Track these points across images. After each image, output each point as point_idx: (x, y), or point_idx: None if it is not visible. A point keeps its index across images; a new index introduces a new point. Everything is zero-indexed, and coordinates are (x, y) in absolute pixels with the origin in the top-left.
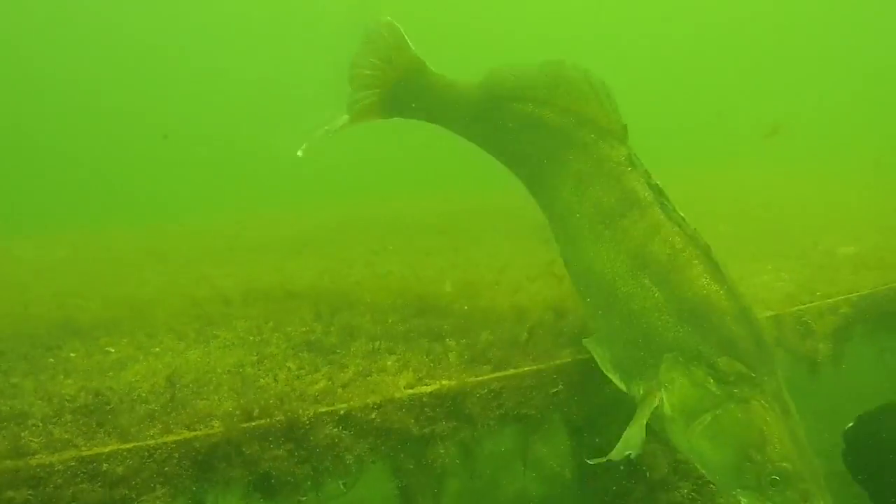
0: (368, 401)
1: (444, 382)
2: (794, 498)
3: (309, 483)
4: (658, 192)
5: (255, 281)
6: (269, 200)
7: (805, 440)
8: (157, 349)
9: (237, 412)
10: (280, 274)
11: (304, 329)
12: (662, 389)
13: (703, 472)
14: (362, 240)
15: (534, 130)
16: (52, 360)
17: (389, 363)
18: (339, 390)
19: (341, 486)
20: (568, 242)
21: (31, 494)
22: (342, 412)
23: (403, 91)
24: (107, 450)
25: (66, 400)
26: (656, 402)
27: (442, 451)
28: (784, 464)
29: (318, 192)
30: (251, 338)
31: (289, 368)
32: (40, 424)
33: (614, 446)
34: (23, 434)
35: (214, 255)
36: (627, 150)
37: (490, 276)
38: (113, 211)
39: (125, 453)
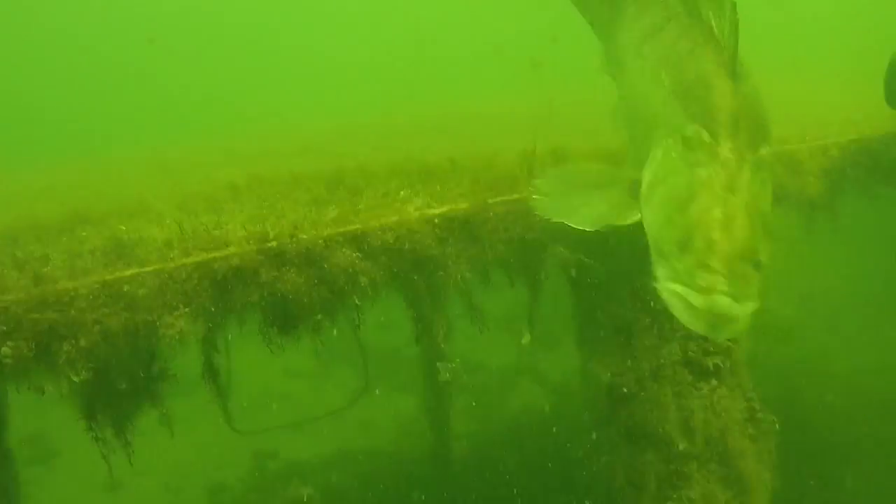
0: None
1: (453, 206)
2: (690, 264)
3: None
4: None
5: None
6: None
7: (751, 221)
8: (168, 220)
9: (253, 237)
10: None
11: (312, 195)
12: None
13: (650, 241)
14: None
15: None
16: (65, 238)
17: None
18: (352, 217)
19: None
20: (615, 62)
21: (56, 316)
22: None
23: None
24: (127, 273)
25: (85, 246)
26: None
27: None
28: (695, 230)
29: None
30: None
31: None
32: (63, 260)
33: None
34: (45, 269)
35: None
36: None
37: None
38: None
39: (145, 276)
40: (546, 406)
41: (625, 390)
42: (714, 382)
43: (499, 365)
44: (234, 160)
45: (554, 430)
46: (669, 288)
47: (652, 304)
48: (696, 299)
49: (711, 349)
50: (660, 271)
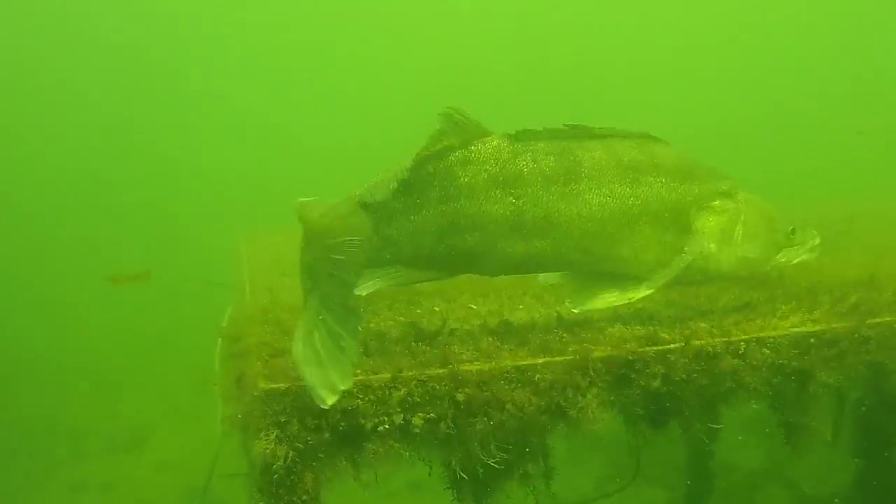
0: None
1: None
2: (800, 233)
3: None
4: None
5: None
6: None
7: None
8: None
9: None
10: None
11: None
12: (700, 236)
13: (745, 273)
14: None
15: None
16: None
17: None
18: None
19: None
20: (529, 233)
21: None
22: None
23: None
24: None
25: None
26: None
27: None
28: (786, 219)
29: None
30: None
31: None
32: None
33: None
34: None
35: None
36: (499, 136)
37: None
38: None
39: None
40: None
41: None
42: None
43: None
44: None
45: None
46: (808, 248)
47: None
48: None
49: None
50: (787, 255)
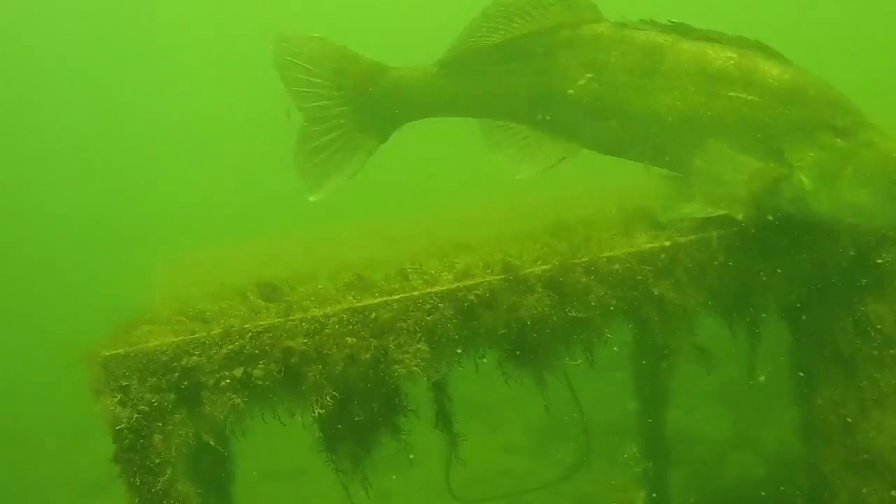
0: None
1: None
2: None
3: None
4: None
5: None
6: None
7: None
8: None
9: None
10: None
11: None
12: (796, 170)
13: (861, 222)
14: None
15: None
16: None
17: None
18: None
19: None
20: (608, 124)
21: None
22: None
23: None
24: (375, 301)
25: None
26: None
27: None
28: None
29: None
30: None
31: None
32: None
33: None
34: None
35: None
36: (607, 20)
37: None
38: None
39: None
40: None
41: (849, 420)
42: None
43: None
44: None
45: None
46: None
47: (872, 333)
48: None
49: None
50: None
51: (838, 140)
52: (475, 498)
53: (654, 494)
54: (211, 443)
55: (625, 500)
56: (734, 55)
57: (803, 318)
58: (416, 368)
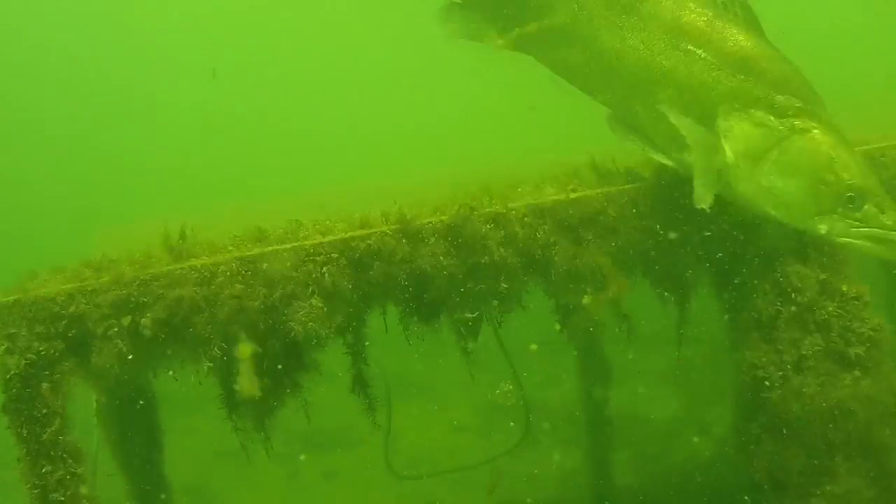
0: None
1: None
2: (872, 211)
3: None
4: None
5: None
6: None
7: (866, 164)
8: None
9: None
10: None
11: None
12: (722, 139)
13: (775, 213)
14: None
15: None
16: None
17: None
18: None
19: None
20: (577, 51)
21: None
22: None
23: None
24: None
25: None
26: (712, 153)
27: None
28: (855, 181)
29: None
30: None
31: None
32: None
33: None
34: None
35: None
36: None
37: None
38: None
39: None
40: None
41: (767, 383)
42: (857, 373)
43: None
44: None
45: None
46: (865, 234)
47: (794, 295)
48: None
49: (854, 339)
50: (834, 227)
51: (773, 119)
52: (414, 473)
53: (598, 474)
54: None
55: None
56: (710, 13)
57: (728, 282)
58: (311, 324)
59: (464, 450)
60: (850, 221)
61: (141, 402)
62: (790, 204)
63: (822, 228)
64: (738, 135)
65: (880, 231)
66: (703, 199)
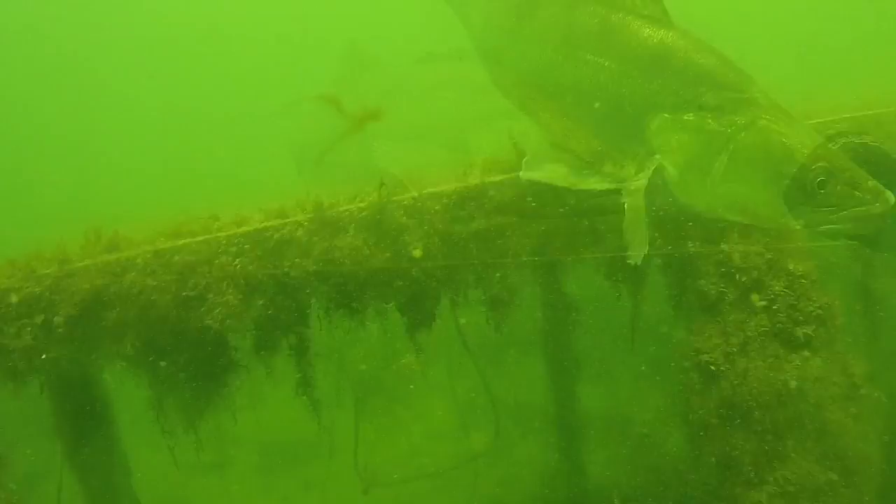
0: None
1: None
2: (846, 190)
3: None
4: None
5: None
6: None
7: (822, 140)
8: None
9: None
10: None
11: None
12: (657, 156)
13: (741, 218)
14: None
15: None
16: None
17: None
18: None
19: None
20: (500, 66)
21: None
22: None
23: None
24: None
25: None
26: (646, 178)
27: None
28: (819, 163)
29: None
30: None
31: None
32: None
33: None
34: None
35: None
36: None
37: None
38: None
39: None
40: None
41: (712, 368)
42: (806, 354)
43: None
44: None
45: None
46: (845, 217)
47: (737, 276)
48: (876, 209)
49: (801, 318)
50: (811, 219)
51: (710, 121)
52: (384, 480)
53: (574, 476)
54: None
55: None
56: (602, 11)
57: (671, 264)
58: (228, 321)
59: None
60: (827, 208)
61: (95, 412)
62: (756, 207)
63: (798, 224)
64: (675, 147)
65: (861, 209)
66: (637, 255)
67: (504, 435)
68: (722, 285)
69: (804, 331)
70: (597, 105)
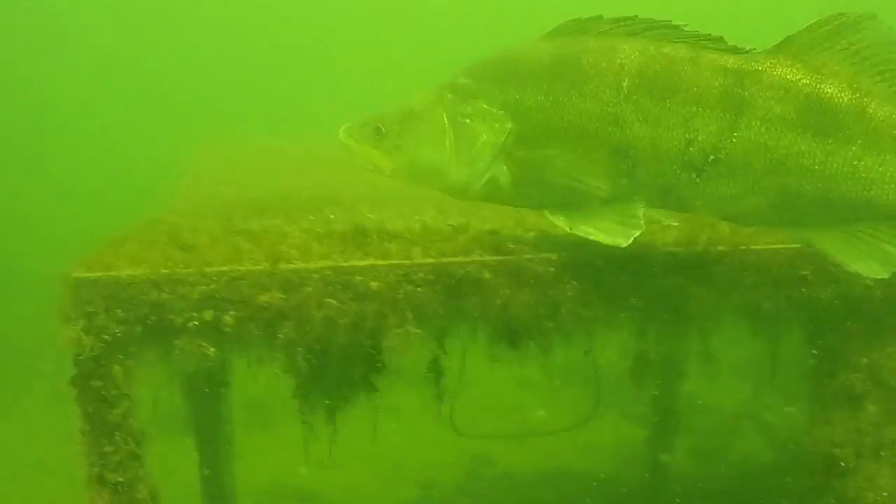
0: None
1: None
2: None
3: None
4: None
5: None
6: None
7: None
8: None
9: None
10: None
11: None
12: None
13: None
14: None
15: None
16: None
17: None
18: None
19: None
20: None
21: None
22: None
23: None
24: (362, 263)
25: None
26: None
27: None
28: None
29: None
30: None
31: None
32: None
33: None
34: (280, 247)
35: None
36: None
37: None
38: None
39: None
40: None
41: (842, 464)
42: None
43: (728, 411)
44: None
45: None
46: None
47: (887, 380)
48: None
49: None
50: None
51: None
52: (479, 433)
53: (659, 458)
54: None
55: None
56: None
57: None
58: (406, 349)
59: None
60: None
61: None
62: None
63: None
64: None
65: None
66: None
67: None
68: (870, 383)
69: None
70: None
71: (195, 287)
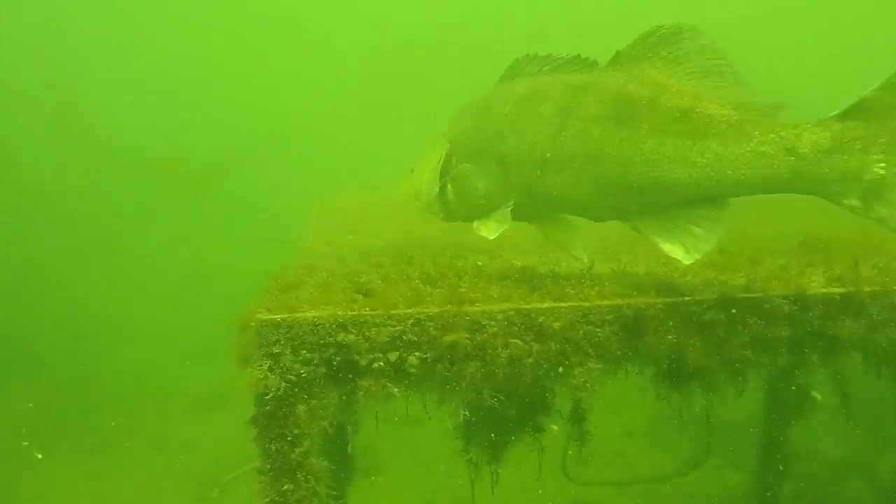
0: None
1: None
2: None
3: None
4: None
5: None
6: None
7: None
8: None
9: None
10: None
11: None
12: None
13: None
14: None
15: None
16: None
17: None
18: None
19: None
20: None
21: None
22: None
23: None
24: (543, 305)
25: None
26: None
27: None
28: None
29: None
30: None
31: None
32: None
33: None
34: (460, 290)
35: None
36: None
37: None
38: None
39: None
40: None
41: None
42: None
43: (831, 456)
44: None
45: None
46: None
47: None
48: None
49: None
50: None
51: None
52: (587, 479)
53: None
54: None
55: None
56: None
57: None
58: (587, 385)
59: (632, 456)
60: None
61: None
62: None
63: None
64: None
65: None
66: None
67: None
68: None
69: None
70: None
71: (382, 328)
